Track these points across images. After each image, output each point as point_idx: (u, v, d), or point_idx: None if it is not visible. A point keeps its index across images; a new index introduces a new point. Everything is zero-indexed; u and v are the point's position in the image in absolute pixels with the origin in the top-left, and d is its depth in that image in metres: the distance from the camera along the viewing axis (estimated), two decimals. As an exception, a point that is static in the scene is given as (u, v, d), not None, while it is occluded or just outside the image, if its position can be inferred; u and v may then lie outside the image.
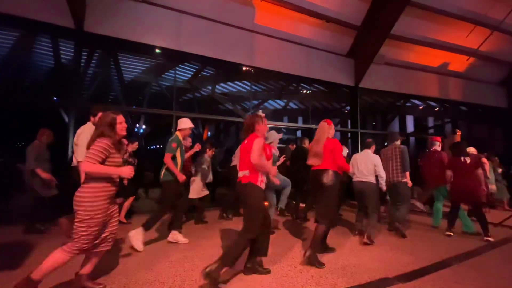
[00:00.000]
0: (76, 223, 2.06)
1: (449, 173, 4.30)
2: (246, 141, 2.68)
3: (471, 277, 2.67)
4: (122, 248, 3.32)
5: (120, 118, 2.26)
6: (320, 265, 2.87)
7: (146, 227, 3.30)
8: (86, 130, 3.20)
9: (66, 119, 6.05)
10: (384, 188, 4.03)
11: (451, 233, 4.10)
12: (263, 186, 2.61)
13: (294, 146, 5.87)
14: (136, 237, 3.23)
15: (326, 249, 3.34)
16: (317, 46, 7.88)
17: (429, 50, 8.89)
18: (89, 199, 2.06)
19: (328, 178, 3.07)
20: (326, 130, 3.25)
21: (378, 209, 3.94)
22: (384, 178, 3.97)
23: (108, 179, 2.14)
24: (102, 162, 2.11)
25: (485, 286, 2.50)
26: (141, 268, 2.76)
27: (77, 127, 3.65)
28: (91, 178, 2.09)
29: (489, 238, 3.89)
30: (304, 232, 4.28)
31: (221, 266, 2.34)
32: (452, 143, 4.91)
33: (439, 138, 5.04)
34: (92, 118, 3.32)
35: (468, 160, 4.15)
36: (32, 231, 3.89)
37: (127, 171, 2.19)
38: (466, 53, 9.29)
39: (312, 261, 2.88)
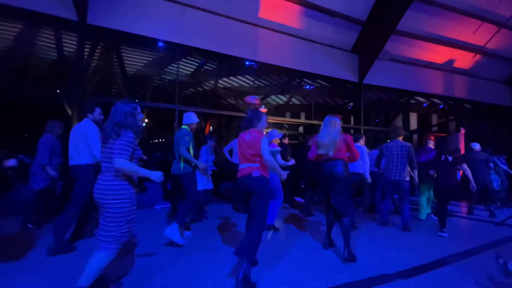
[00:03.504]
0: (110, 220, 1.97)
1: (432, 171, 4.42)
2: (247, 136, 2.64)
3: (470, 275, 2.67)
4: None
5: (138, 108, 2.15)
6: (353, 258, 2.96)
7: (180, 222, 3.35)
8: (92, 128, 3.17)
9: (69, 112, 6.06)
10: (369, 179, 4.47)
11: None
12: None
13: (287, 139, 5.89)
14: (173, 233, 3.27)
15: (331, 245, 3.36)
16: (321, 41, 7.79)
17: (434, 47, 8.77)
18: (122, 190, 1.98)
19: (340, 169, 3.11)
20: (338, 124, 3.26)
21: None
22: (366, 167, 4.34)
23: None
24: (131, 158, 2.00)
25: (485, 285, 2.50)
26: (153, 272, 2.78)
27: (80, 120, 3.62)
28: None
29: (443, 234, 3.96)
30: (305, 227, 4.29)
31: (250, 263, 2.36)
32: (437, 142, 5.22)
33: (432, 137, 5.27)
34: (89, 115, 3.26)
35: (450, 158, 4.18)
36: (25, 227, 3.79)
37: (158, 176, 2.03)
38: (473, 50, 9.15)
39: (351, 258, 2.92)
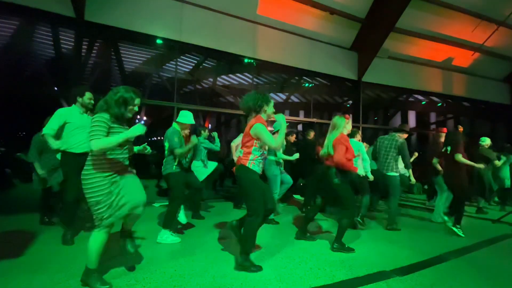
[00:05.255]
0: (91, 204, 2.02)
1: (438, 165, 4.37)
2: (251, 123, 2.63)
3: (468, 272, 2.70)
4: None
5: (136, 101, 2.14)
6: (349, 250, 3.13)
7: (167, 225, 3.29)
8: (58, 111, 3.03)
9: (67, 109, 6.01)
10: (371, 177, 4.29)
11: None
12: (256, 166, 2.59)
13: (294, 136, 5.78)
14: (165, 238, 3.24)
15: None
16: (320, 38, 7.77)
17: (433, 45, 8.77)
18: (93, 180, 2.00)
19: (333, 175, 3.13)
20: (341, 125, 3.22)
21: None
22: (365, 165, 4.21)
23: (107, 156, 2.04)
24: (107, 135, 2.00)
25: (482, 282, 2.52)
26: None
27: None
28: (93, 159, 2.01)
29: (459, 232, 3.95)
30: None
31: (246, 256, 2.56)
32: (437, 136, 5.17)
33: (445, 129, 5.18)
34: (78, 99, 3.10)
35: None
36: (43, 222, 3.83)
37: (137, 129, 2.00)
38: (471, 48, 9.17)
39: (340, 250, 3.13)
